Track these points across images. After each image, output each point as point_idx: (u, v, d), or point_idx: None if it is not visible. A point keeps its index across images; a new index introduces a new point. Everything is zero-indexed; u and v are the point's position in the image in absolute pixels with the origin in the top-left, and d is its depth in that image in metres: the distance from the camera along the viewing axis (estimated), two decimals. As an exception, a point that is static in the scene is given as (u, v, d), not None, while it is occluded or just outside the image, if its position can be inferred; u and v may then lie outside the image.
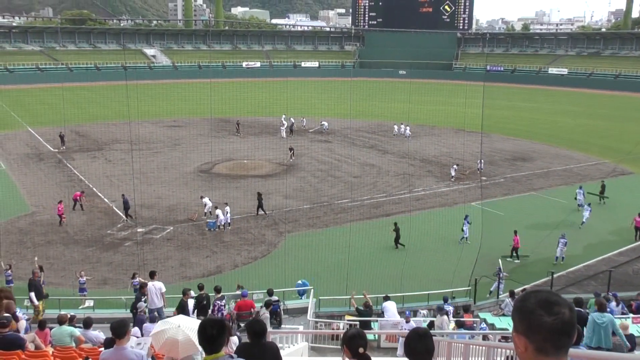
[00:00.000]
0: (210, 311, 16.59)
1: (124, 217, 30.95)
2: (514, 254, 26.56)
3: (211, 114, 58.55)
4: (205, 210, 31.64)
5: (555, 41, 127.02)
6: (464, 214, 29.45)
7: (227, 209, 30.52)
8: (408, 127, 55.93)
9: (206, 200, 32.02)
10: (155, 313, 17.10)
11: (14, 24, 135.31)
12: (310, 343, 16.38)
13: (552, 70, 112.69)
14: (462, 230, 28.49)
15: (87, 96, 77.43)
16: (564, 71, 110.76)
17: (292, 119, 58.26)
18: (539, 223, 31.25)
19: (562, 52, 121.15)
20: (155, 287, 17.06)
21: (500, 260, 24.54)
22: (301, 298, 21.49)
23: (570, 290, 22.76)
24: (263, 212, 32.41)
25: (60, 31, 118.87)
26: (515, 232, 26.72)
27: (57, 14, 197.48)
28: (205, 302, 16.85)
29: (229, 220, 30.41)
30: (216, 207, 30.80)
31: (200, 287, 17.58)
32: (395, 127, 57.90)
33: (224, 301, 17.26)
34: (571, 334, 2.25)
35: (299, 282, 22.04)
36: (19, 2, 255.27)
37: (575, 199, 34.45)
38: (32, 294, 16.75)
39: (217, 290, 17.49)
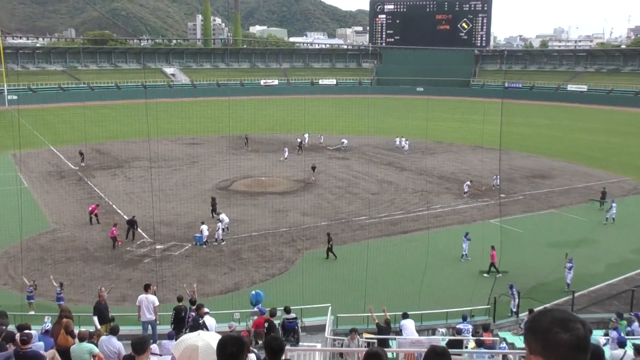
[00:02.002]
0: (185, 322, 16.53)
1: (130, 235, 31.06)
2: (492, 269, 26.55)
3: (229, 132, 59.03)
4: (223, 226, 31.82)
5: (574, 58, 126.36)
6: (483, 231, 29.25)
7: (219, 225, 30.85)
8: (407, 142, 57.26)
9: (223, 216, 32.25)
10: (149, 326, 17.31)
11: (38, 45, 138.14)
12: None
13: (572, 87, 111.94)
14: (463, 247, 28.44)
15: (108, 114, 78.50)
16: (584, 88, 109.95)
17: (305, 136, 58.55)
18: (559, 241, 30.87)
19: (581, 69, 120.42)
20: (148, 300, 17.35)
21: (485, 275, 24.76)
22: (253, 307, 21.30)
23: (592, 310, 22.43)
24: (215, 216, 34.07)
25: (82, 51, 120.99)
26: (493, 247, 26.70)
27: (79, 34, 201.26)
28: (183, 314, 17.00)
29: (220, 237, 30.62)
30: (202, 222, 31.16)
31: (179, 299, 17.96)
32: (397, 140, 58.88)
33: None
34: (587, 350, 2.25)
35: (253, 292, 22.03)
36: (43, 24, 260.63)
37: (607, 211, 34.62)
38: (95, 318, 16.89)
39: (192, 302, 17.42)
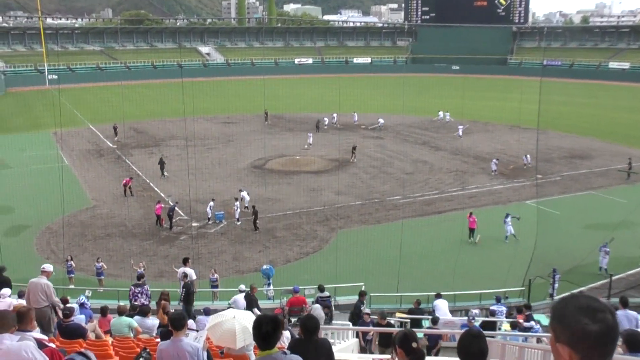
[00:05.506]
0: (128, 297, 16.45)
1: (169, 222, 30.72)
2: (472, 235, 27.97)
3: (264, 110, 59.26)
4: (246, 204, 32.05)
5: (617, 34, 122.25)
6: (519, 212, 28.86)
7: (237, 203, 31.01)
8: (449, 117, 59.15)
9: (244, 194, 32.55)
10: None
11: (76, 26, 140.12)
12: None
13: (613, 65, 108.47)
14: (506, 229, 28.16)
15: (145, 93, 79.57)
16: (626, 65, 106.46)
17: (334, 115, 58.33)
18: (598, 223, 30.27)
19: (623, 46, 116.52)
20: (187, 272, 17.98)
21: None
22: (269, 281, 22.06)
23: (630, 294, 21.96)
24: (165, 175, 38.98)
25: (120, 31, 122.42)
26: (471, 213, 28.48)
27: (116, 14, 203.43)
28: (192, 290, 17.78)
29: (237, 216, 30.73)
30: (213, 199, 31.57)
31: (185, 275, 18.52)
32: (441, 114, 61.37)
33: (144, 287, 16.33)
34: (616, 340, 2.19)
35: (265, 267, 22.39)
36: (81, 4, 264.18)
37: None
38: (255, 310, 17.39)
39: (138, 277, 17.17)
